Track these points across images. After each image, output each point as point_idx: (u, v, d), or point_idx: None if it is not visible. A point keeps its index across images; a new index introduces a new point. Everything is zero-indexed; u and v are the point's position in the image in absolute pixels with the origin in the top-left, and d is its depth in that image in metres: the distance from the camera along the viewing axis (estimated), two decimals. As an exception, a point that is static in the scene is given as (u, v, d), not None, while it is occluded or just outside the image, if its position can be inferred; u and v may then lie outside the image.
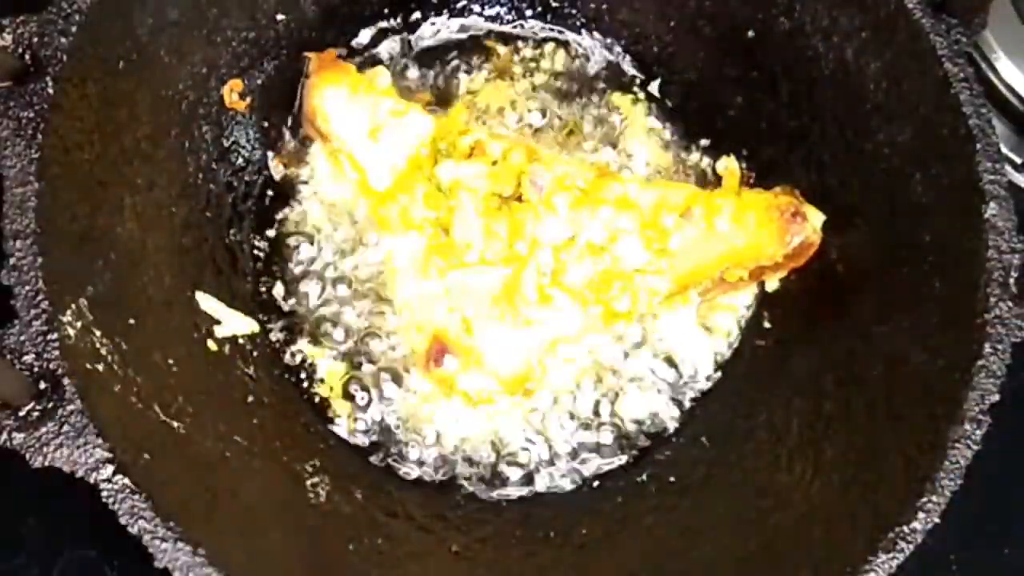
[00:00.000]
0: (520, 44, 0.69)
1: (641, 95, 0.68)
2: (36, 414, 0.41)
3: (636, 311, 0.58)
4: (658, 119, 0.68)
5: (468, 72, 0.68)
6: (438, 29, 0.69)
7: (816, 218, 0.58)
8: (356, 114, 0.59)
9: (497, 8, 0.69)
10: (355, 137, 0.59)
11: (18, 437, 0.40)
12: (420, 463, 0.58)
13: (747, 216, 0.57)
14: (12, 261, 0.43)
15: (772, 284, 0.61)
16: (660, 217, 0.57)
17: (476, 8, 0.69)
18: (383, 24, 0.67)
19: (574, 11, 0.69)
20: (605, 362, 0.60)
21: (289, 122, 0.64)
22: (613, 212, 0.57)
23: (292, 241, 0.62)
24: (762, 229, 0.57)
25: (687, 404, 0.61)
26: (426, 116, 0.60)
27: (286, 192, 0.63)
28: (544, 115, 0.67)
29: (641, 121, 0.68)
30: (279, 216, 0.63)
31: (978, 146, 0.50)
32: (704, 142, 0.67)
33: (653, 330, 0.61)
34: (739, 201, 0.58)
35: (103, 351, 0.46)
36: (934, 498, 0.44)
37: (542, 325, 0.57)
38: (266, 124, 0.63)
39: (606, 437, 0.59)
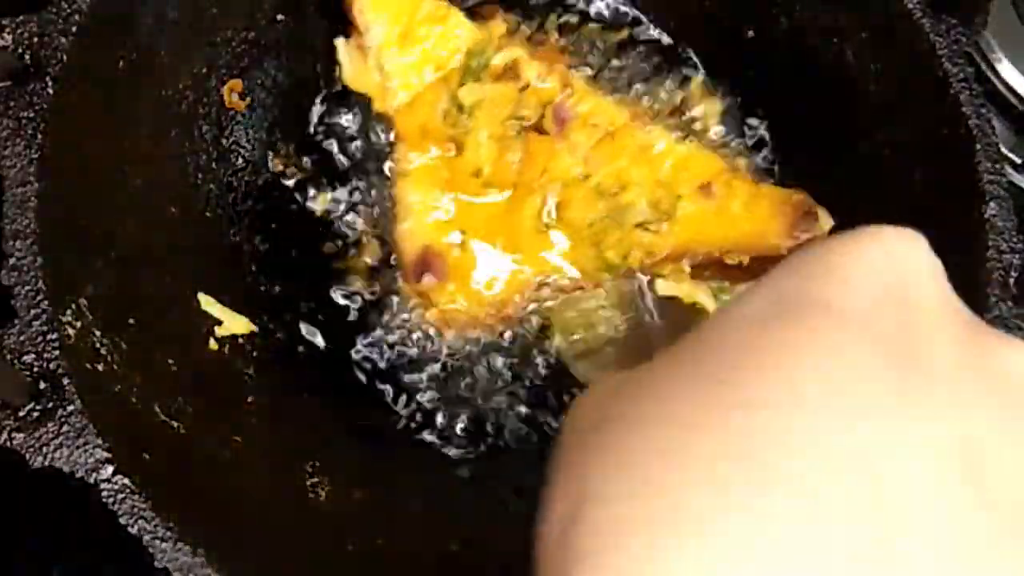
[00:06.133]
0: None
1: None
2: (36, 414, 0.41)
3: (626, 265, 0.58)
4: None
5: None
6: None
7: (826, 221, 0.57)
8: (393, 11, 0.58)
9: None
10: (386, 35, 0.58)
11: (18, 437, 0.40)
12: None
13: (760, 204, 0.57)
14: (12, 261, 0.43)
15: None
16: (677, 182, 0.57)
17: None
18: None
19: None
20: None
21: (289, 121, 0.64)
22: (631, 163, 0.56)
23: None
24: (772, 220, 0.57)
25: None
26: (466, 24, 0.59)
27: (286, 191, 0.63)
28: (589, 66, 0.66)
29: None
30: (279, 216, 0.63)
31: (978, 146, 0.50)
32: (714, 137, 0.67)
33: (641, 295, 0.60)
34: (757, 189, 0.58)
35: (103, 351, 0.46)
36: (934, 498, 0.44)
37: (534, 257, 0.57)
38: (266, 124, 0.63)
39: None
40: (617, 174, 0.57)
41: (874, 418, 0.24)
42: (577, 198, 0.56)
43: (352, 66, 0.60)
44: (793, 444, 0.24)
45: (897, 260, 0.29)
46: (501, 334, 0.60)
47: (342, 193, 0.62)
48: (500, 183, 0.57)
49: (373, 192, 0.62)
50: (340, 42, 0.61)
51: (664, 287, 0.58)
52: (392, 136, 0.61)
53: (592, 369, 0.59)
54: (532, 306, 0.59)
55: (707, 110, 0.65)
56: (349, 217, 0.62)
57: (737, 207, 0.57)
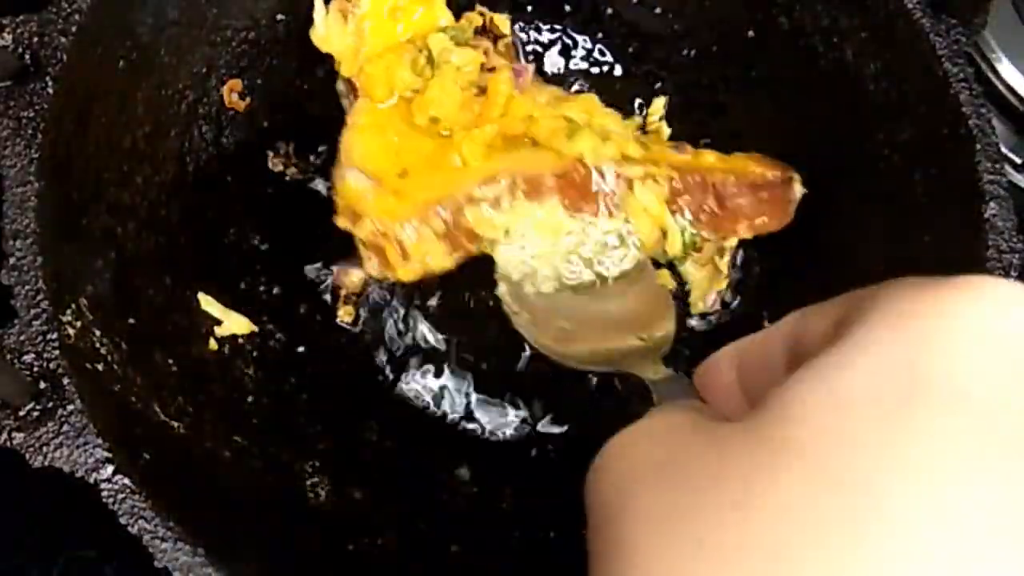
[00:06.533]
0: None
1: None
2: (36, 414, 0.41)
3: (597, 157, 0.55)
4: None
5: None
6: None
7: (797, 186, 0.58)
8: None
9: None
10: (375, 6, 0.58)
11: (18, 437, 0.40)
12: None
13: (738, 157, 0.58)
14: (12, 261, 0.43)
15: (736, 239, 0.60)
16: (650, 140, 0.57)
17: None
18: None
19: (573, 10, 0.69)
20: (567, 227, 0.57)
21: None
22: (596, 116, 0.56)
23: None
24: (748, 163, 0.57)
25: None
26: (446, 11, 0.60)
27: (286, 191, 0.63)
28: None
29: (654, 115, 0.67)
30: (279, 216, 0.63)
31: (978, 146, 0.50)
32: (704, 142, 0.66)
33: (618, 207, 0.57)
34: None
35: (103, 351, 0.46)
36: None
37: (486, 163, 0.55)
38: (266, 123, 0.63)
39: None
40: (583, 111, 0.56)
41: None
42: (543, 119, 0.55)
43: (327, 27, 0.59)
44: None
45: (1014, 325, 0.25)
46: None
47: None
48: (459, 127, 0.56)
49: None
50: (319, 1, 0.60)
51: (641, 192, 0.55)
52: (353, 97, 0.59)
53: (533, 326, 0.56)
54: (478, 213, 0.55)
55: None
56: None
57: (714, 159, 0.57)
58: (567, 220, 0.56)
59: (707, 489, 0.24)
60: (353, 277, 0.58)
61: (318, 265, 0.61)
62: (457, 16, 0.61)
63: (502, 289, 0.56)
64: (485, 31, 0.61)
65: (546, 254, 0.56)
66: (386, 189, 0.54)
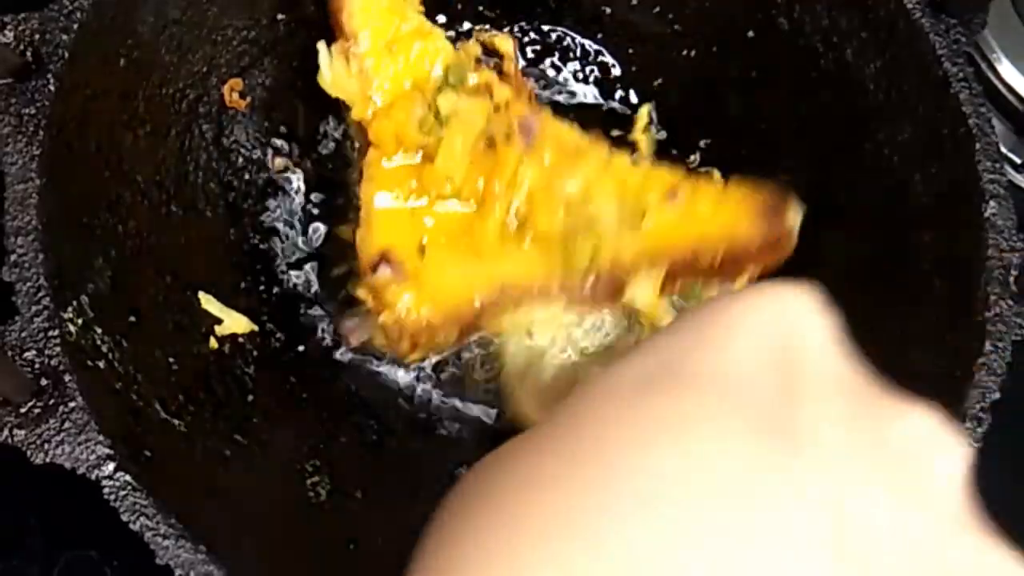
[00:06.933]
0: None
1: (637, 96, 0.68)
2: (37, 411, 0.41)
3: (593, 268, 0.57)
4: (655, 120, 0.67)
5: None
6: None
7: (794, 216, 0.57)
8: (380, 21, 0.59)
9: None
10: (373, 43, 0.59)
11: (19, 434, 0.40)
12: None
13: (728, 202, 0.57)
14: (14, 258, 0.43)
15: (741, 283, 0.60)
16: (643, 190, 0.57)
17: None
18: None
19: (573, 10, 0.69)
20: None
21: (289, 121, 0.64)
22: (596, 175, 0.57)
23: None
24: (740, 217, 0.57)
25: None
26: (445, 42, 0.60)
27: (286, 191, 0.63)
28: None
29: (640, 122, 0.67)
30: (279, 216, 0.63)
31: (978, 146, 0.51)
32: (704, 142, 0.67)
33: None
34: (723, 188, 0.58)
35: (104, 348, 0.46)
36: (936, 496, 0.44)
37: (498, 265, 0.57)
38: (266, 123, 0.63)
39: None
40: (583, 186, 0.57)
41: (726, 499, 0.23)
42: (543, 206, 0.56)
43: (334, 71, 0.60)
44: (646, 539, 0.23)
45: (784, 323, 0.28)
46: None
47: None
48: (468, 194, 0.57)
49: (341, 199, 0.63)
50: (322, 47, 0.60)
51: (631, 297, 0.57)
52: (365, 142, 0.60)
53: (533, 401, 0.57)
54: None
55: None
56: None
57: (704, 209, 0.57)
58: (571, 316, 0.59)
59: (504, 485, 0.28)
60: (359, 337, 0.60)
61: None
62: (459, 37, 0.62)
63: (506, 373, 0.59)
64: (487, 54, 0.62)
65: (551, 343, 0.59)
66: (408, 274, 0.56)
